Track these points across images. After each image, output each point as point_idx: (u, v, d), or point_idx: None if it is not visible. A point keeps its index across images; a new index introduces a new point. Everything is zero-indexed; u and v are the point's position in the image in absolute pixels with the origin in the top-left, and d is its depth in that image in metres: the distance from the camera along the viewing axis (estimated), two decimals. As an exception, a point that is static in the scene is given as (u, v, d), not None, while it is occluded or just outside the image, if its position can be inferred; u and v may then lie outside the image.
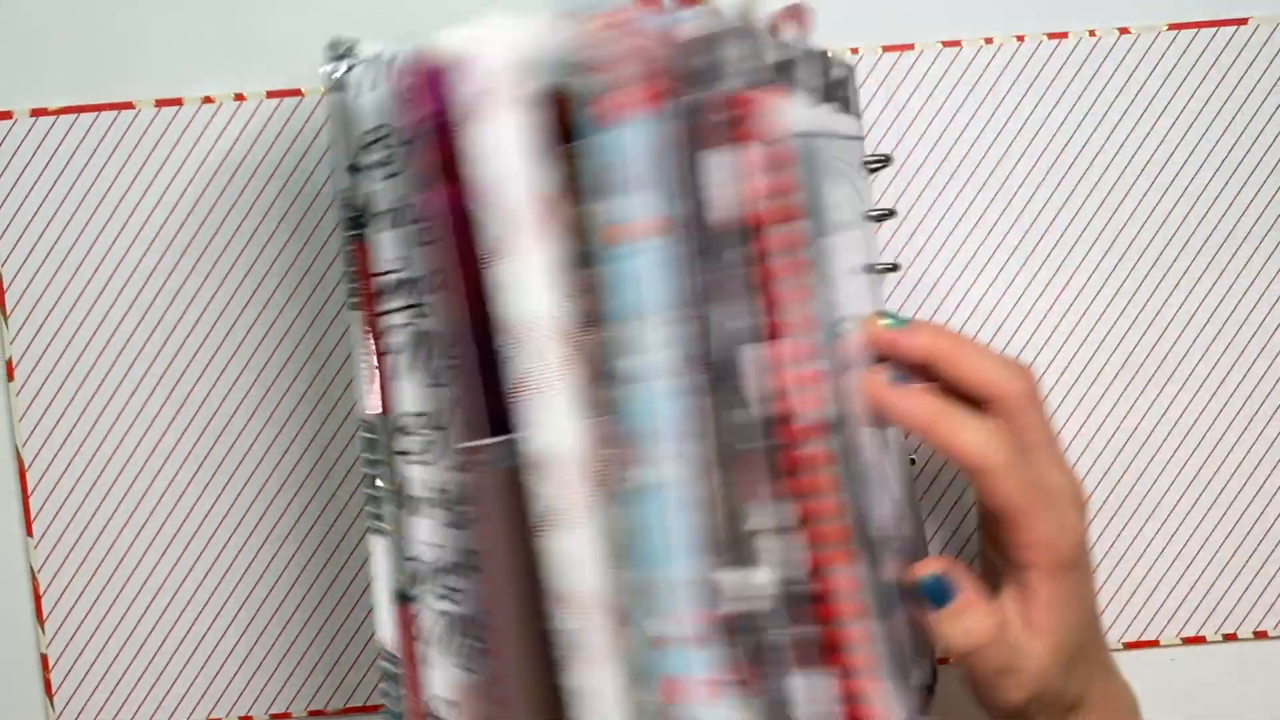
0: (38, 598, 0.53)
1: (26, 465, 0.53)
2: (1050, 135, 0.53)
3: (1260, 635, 0.55)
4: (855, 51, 0.53)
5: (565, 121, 0.33)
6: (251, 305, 0.53)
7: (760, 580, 0.33)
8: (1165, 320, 0.54)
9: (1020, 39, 0.53)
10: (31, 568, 0.53)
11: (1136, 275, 0.54)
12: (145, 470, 0.53)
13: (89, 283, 0.52)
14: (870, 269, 0.49)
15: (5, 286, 0.52)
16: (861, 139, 0.48)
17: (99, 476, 0.53)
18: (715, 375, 0.32)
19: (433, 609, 0.38)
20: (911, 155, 0.53)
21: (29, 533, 0.53)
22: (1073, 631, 0.44)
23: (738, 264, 0.33)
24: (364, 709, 0.53)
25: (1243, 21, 0.53)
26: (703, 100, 0.32)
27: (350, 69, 0.39)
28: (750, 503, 0.33)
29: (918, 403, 0.42)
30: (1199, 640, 0.55)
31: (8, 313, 0.53)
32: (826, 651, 0.35)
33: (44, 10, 0.53)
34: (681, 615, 0.32)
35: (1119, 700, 0.47)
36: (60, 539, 0.53)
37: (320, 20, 0.53)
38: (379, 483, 0.39)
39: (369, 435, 0.39)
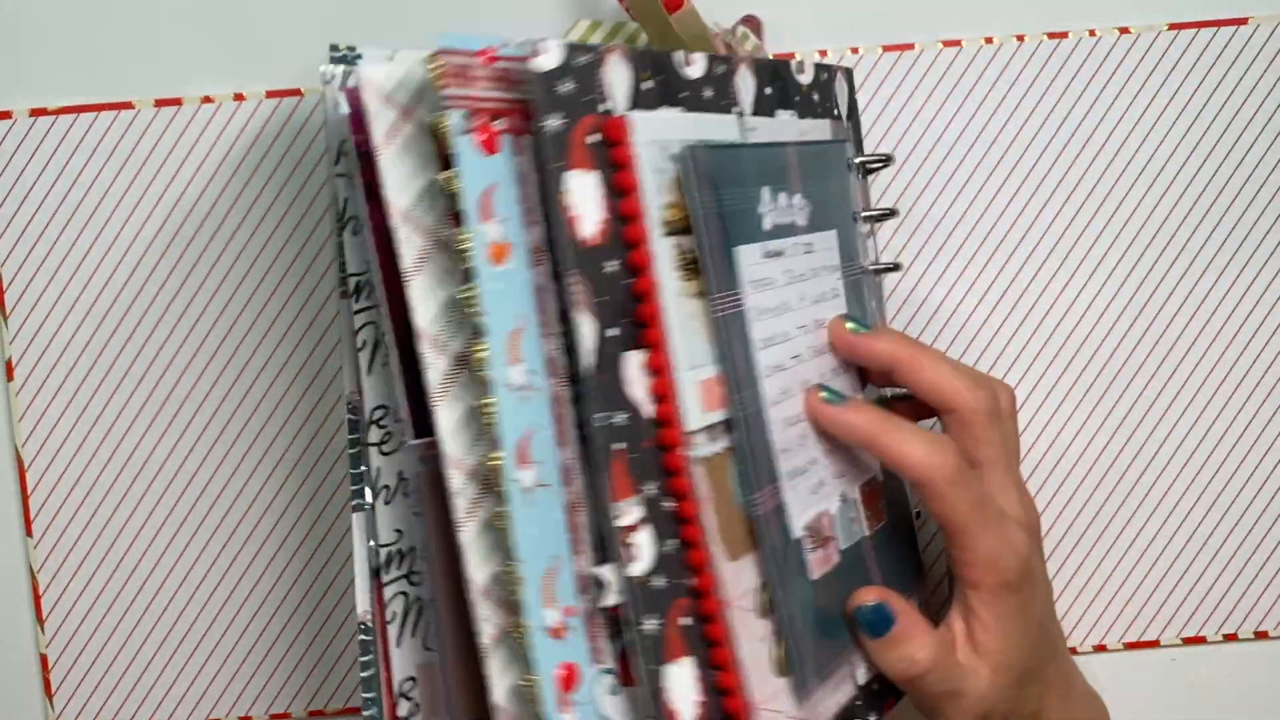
0: (37, 598, 0.53)
1: (26, 465, 0.53)
2: (1050, 135, 0.53)
3: (1260, 635, 0.55)
4: (855, 51, 0.53)
5: (443, 150, 0.36)
6: (251, 305, 0.53)
7: (634, 574, 0.35)
8: (1166, 319, 0.54)
9: (1020, 39, 0.53)
10: (31, 568, 0.53)
11: (1136, 274, 0.54)
12: (145, 470, 0.53)
13: (89, 282, 0.52)
14: (868, 270, 0.49)
15: (5, 286, 0.52)
16: (844, 141, 0.48)
17: (98, 476, 0.53)
18: (585, 383, 0.35)
19: (400, 590, 0.42)
20: (911, 155, 0.53)
21: (29, 533, 0.53)
22: (1019, 652, 0.43)
23: (600, 279, 0.35)
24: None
25: (1243, 21, 0.53)
26: (558, 127, 0.35)
27: (346, 75, 0.41)
28: (623, 500, 0.35)
29: (859, 416, 0.42)
30: (1199, 640, 0.55)
31: (8, 313, 0.53)
32: (701, 644, 0.37)
33: (44, 10, 0.53)
34: (560, 607, 0.35)
35: (1079, 718, 0.46)
36: (60, 539, 0.53)
37: (320, 20, 0.53)
38: (361, 466, 0.42)
39: (352, 417, 0.42)
